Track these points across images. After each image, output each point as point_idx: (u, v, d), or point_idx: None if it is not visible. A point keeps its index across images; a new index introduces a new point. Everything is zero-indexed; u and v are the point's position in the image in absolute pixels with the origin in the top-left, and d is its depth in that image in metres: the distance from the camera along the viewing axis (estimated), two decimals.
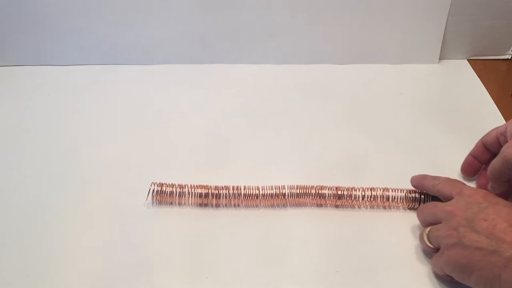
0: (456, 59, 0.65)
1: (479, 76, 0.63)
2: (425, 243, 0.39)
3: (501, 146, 0.40)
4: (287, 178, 0.46)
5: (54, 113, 0.57)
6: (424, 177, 0.44)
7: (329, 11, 0.61)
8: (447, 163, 0.49)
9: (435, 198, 0.43)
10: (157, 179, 0.46)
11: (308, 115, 0.57)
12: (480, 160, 0.46)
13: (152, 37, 0.63)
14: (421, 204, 0.44)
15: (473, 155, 0.46)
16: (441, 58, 0.65)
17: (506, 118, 0.55)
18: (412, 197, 0.44)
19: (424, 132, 0.54)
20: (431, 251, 0.39)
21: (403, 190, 0.45)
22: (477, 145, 0.45)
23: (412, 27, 0.62)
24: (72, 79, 0.62)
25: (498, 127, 0.43)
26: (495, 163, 0.39)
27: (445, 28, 0.62)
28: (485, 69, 0.64)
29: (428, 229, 0.39)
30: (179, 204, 0.45)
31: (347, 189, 0.45)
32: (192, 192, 0.45)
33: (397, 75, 0.63)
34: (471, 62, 0.65)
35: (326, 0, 0.60)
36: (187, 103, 0.59)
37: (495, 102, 0.58)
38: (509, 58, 0.66)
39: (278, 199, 0.45)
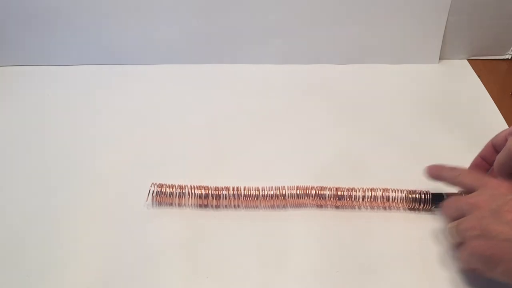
0: (456, 59, 0.66)
1: (479, 76, 0.63)
2: (451, 238, 0.38)
3: None
4: (287, 179, 0.46)
5: (54, 113, 0.57)
6: (441, 168, 0.43)
7: (329, 11, 0.61)
8: (447, 163, 0.48)
9: (435, 198, 0.43)
10: (157, 179, 0.46)
11: (308, 115, 0.57)
12: (489, 161, 0.44)
13: (152, 37, 0.63)
14: (421, 205, 0.44)
15: (481, 156, 0.45)
16: (441, 58, 0.65)
17: (506, 118, 0.55)
18: (412, 197, 0.44)
19: (424, 132, 0.54)
20: (456, 247, 0.38)
21: (403, 191, 0.44)
22: (486, 146, 0.44)
23: (412, 27, 0.62)
24: (72, 79, 0.62)
25: (508, 128, 0.43)
26: (500, 156, 0.39)
27: (445, 28, 0.62)
28: (485, 69, 0.64)
29: (452, 223, 0.38)
30: (179, 205, 0.45)
31: (347, 190, 0.45)
32: (192, 193, 0.45)
33: (397, 75, 0.63)
34: (471, 62, 0.65)
35: (326, 0, 0.60)
36: (187, 103, 0.59)
37: (495, 102, 0.58)
38: (509, 58, 0.66)
39: (278, 200, 0.45)
